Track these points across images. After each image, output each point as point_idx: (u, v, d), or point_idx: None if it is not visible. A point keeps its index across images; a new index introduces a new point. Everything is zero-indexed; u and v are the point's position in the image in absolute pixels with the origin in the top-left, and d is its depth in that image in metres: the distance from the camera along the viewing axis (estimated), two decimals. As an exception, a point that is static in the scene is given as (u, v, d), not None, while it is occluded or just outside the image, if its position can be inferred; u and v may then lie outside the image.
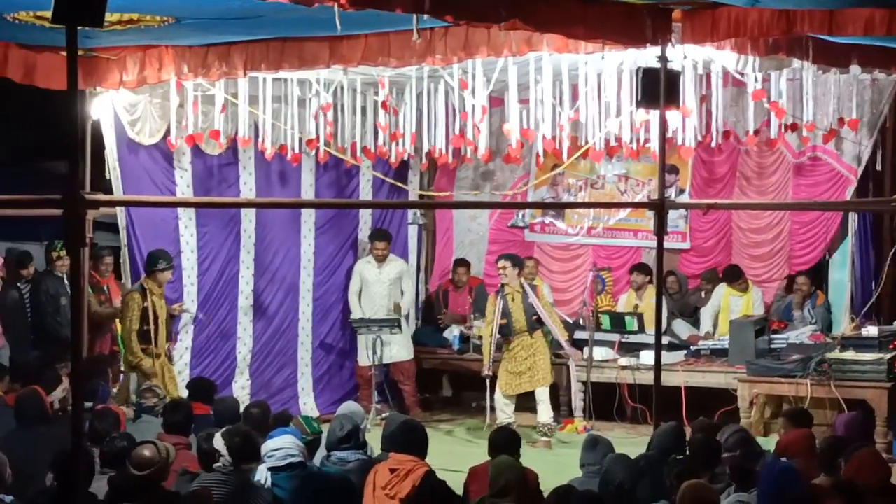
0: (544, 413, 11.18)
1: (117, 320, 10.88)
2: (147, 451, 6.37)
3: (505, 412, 11.20)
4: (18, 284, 10.80)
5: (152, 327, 10.40)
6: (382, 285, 12.34)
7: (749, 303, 12.15)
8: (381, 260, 12.33)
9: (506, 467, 6.47)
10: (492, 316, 11.10)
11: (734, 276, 12.23)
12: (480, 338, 12.38)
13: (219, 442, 6.71)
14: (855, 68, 9.75)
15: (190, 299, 11.38)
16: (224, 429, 6.93)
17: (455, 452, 10.15)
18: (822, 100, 10.92)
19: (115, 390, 10.36)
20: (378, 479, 6.90)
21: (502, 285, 11.15)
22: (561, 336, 11.36)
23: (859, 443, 7.09)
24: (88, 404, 8.51)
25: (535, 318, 11.15)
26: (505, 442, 7.31)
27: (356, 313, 12.28)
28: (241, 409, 8.85)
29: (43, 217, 11.64)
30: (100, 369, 9.85)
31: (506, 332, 11.12)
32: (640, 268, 12.69)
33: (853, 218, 12.08)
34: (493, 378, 11.21)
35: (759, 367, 10.69)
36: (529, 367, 11.15)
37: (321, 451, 7.60)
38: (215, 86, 10.39)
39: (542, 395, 11.21)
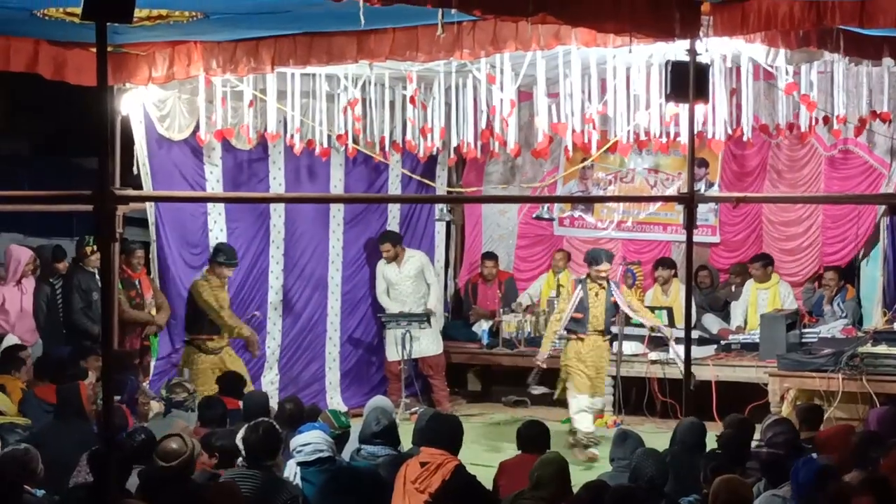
0: (587, 422, 10.52)
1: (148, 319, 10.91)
2: (174, 444, 6.39)
3: (587, 417, 10.33)
4: (52, 280, 10.85)
5: (226, 312, 10.53)
6: (405, 283, 12.33)
7: (776, 296, 12.10)
8: (392, 260, 12.31)
9: (547, 462, 6.45)
10: (565, 304, 10.37)
11: (757, 258, 12.17)
12: (512, 332, 12.38)
13: (239, 438, 6.73)
14: (887, 60, 9.67)
15: (221, 294, 11.43)
16: (246, 424, 6.92)
17: (484, 447, 10.16)
18: (853, 92, 10.83)
19: (145, 384, 10.40)
20: (408, 472, 6.90)
21: (585, 277, 10.48)
22: (657, 322, 10.89)
23: (896, 439, 7.04)
24: (117, 398, 8.57)
25: (612, 319, 10.55)
26: (534, 435, 7.29)
27: (389, 309, 12.29)
28: (270, 403, 8.87)
29: (74, 212, 11.76)
30: (129, 364, 9.88)
31: (576, 329, 10.39)
32: (665, 262, 12.65)
33: (885, 212, 12.00)
34: (544, 371, 10.66)
35: (790, 361, 10.62)
36: (597, 371, 10.50)
37: (350, 445, 7.60)
38: (244, 81, 10.42)
39: (598, 406, 10.60)
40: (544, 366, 10.56)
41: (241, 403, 8.70)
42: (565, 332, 10.53)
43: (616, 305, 10.58)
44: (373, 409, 7.77)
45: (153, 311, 10.88)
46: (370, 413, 7.60)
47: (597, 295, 10.40)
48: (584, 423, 10.48)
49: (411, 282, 12.34)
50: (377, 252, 12.70)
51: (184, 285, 11.14)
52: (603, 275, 10.43)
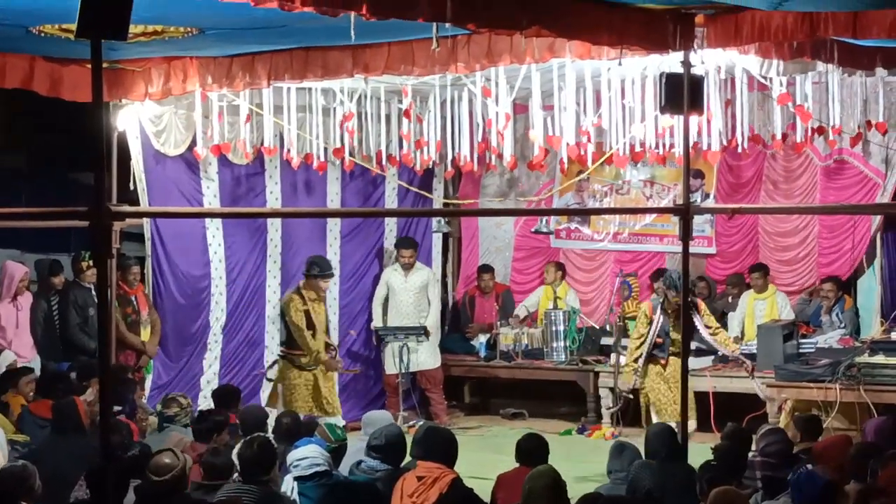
0: None
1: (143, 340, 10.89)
2: (166, 458, 6.40)
3: None
4: (49, 296, 10.84)
5: (308, 333, 10.58)
6: (409, 293, 12.36)
7: (773, 306, 12.11)
8: (407, 268, 12.35)
9: (538, 475, 6.45)
10: (645, 329, 10.05)
11: (755, 269, 12.20)
12: (510, 344, 12.36)
13: (235, 453, 6.72)
14: (881, 70, 9.70)
15: (219, 308, 11.44)
16: (242, 440, 6.92)
17: (482, 460, 10.14)
18: (848, 102, 10.87)
19: (144, 399, 10.38)
20: (405, 486, 6.89)
21: (663, 300, 10.12)
22: (733, 350, 10.51)
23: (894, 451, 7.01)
24: (117, 408, 8.57)
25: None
26: (533, 448, 7.28)
27: (377, 321, 12.33)
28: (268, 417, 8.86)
29: (72, 228, 11.76)
30: (125, 378, 9.85)
31: (658, 354, 10.12)
32: (663, 274, 12.60)
33: (880, 221, 12.02)
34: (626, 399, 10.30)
35: (787, 372, 10.64)
36: (673, 395, 10.19)
37: (349, 458, 7.58)
38: (240, 96, 10.44)
39: (693, 427, 10.07)
40: (631, 396, 10.20)
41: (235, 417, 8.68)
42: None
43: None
44: (382, 422, 7.74)
45: (148, 329, 10.87)
46: (379, 426, 7.58)
47: (676, 319, 10.08)
48: None
49: (415, 293, 12.37)
50: (376, 264, 12.73)
51: (181, 300, 11.16)
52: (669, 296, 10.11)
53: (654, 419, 10.30)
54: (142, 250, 11.37)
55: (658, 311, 10.11)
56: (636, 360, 10.05)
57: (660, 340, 10.15)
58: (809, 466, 6.84)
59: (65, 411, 8.17)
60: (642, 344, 10.03)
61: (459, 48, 8.54)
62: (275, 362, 11.23)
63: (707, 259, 12.99)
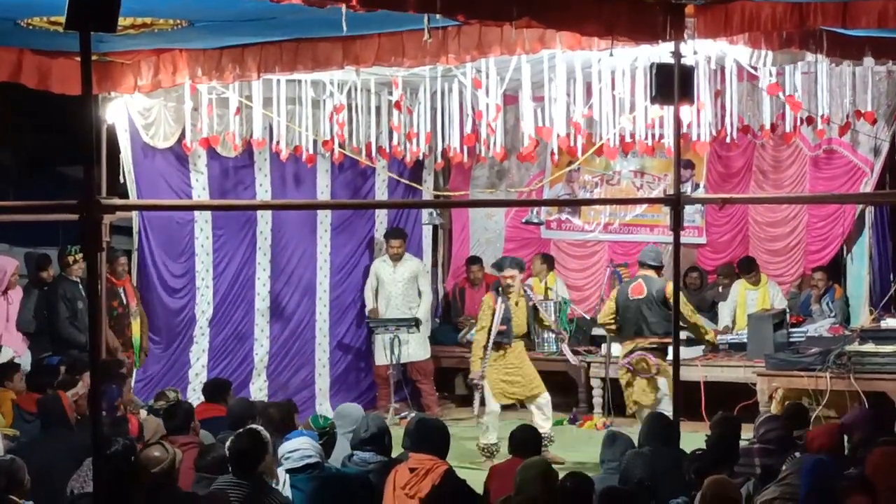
0: (543, 421, 10.27)
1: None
2: (156, 451, 6.40)
3: (495, 426, 10.25)
4: (40, 289, 10.80)
5: None
6: (398, 284, 12.36)
7: (765, 296, 12.14)
8: (396, 259, 12.35)
9: (529, 465, 6.45)
10: (489, 321, 10.25)
11: (747, 268, 12.21)
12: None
13: (227, 447, 6.71)
14: (869, 60, 9.73)
15: (205, 301, 11.41)
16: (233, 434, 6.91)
17: (475, 451, 10.16)
18: (836, 92, 10.90)
19: (132, 395, 10.35)
20: (398, 478, 6.90)
21: (506, 287, 10.31)
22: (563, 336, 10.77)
23: (885, 438, 7.02)
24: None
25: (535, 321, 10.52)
26: (527, 439, 7.29)
27: (370, 304, 12.36)
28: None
29: (60, 222, 11.71)
30: (114, 372, 9.83)
31: (503, 340, 10.28)
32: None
33: (870, 210, 12.06)
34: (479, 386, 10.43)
35: (777, 360, 10.67)
36: (522, 375, 10.39)
37: (339, 448, 7.57)
38: (229, 88, 10.42)
39: (544, 401, 10.45)
40: (482, 381, 10.37)
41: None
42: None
43: (535, 309, 10.51)
44: (365, 416, 7.74)
45: (137, 321, 10.84)
46: (361, 420, 7.58)
47: (517, 304, 10.34)
48: (490, 435, 10.27)
49: (403, 284, 12.37)
50: (366, 255, 12.72)
51: (167, 293, 11.13)
52: (509, 280, 10.29)
53: (494, 405, 10.34)
54: (130, 243, 11.33)
55: (499, 299, 10.24)
56: (486, 350, 10.23)
57: (503, 328, 10.25)
58: (798, 454, 6.88)
59: (49, 406, 8.14)
60: (487, 334, 10.23)
61: (450, 39, 8.54)
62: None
63: (698, 249, 13.02)
